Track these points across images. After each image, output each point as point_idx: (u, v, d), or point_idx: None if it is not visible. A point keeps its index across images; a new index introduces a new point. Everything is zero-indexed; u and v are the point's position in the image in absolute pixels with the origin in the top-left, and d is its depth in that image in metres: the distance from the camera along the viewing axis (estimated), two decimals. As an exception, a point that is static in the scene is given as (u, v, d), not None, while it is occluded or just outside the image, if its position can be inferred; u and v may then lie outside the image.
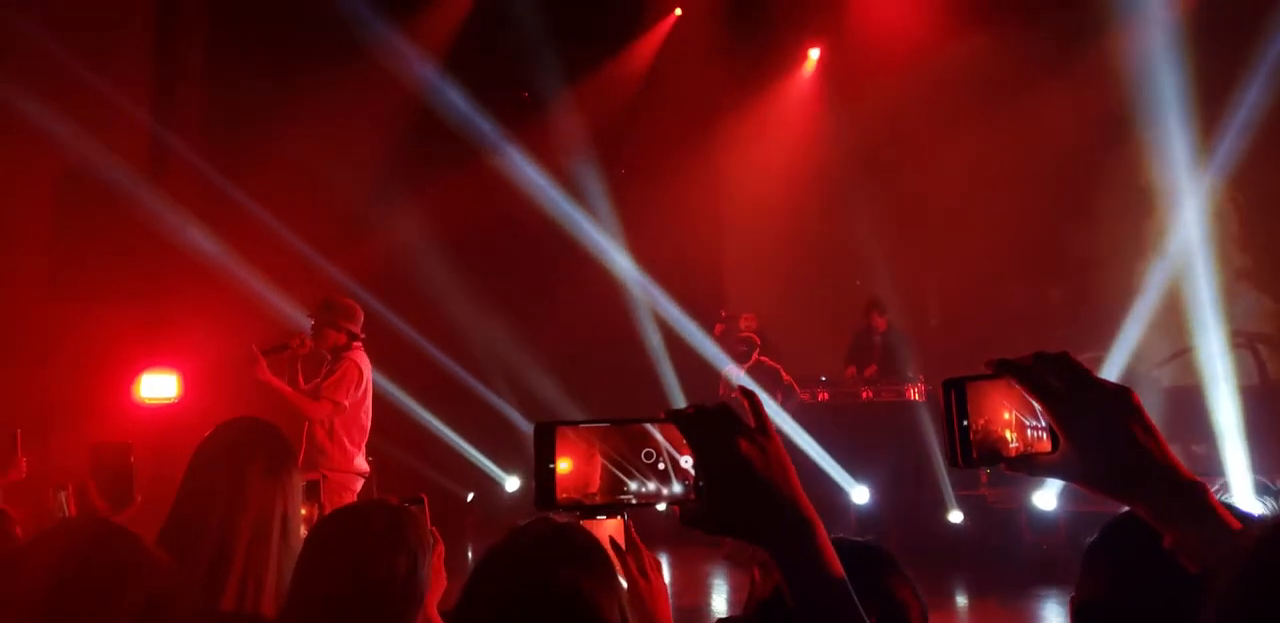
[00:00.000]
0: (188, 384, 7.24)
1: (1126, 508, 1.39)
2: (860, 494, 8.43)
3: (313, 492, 2.48)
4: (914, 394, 8.75)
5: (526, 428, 10.13)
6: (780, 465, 1.00)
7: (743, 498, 0.99)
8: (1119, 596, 1.34)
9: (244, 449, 2.20)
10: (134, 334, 7.45)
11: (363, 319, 5.47)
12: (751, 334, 9.36)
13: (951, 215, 9.96)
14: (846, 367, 9.38)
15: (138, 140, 8.08)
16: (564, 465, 1.07)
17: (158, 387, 7.21)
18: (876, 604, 1.02)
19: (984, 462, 1.01)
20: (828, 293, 10.47)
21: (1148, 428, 0.98)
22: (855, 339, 9.45)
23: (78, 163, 7.62)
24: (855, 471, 8.46)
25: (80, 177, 7.72)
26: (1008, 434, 1.01)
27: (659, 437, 1.11)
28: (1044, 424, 1.01)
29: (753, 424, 1.02)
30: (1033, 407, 1.01)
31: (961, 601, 6.89)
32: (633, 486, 1.10)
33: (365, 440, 5.44)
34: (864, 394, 9.03)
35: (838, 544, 1.01)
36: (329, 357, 5.38)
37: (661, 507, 1.13)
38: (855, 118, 10.53)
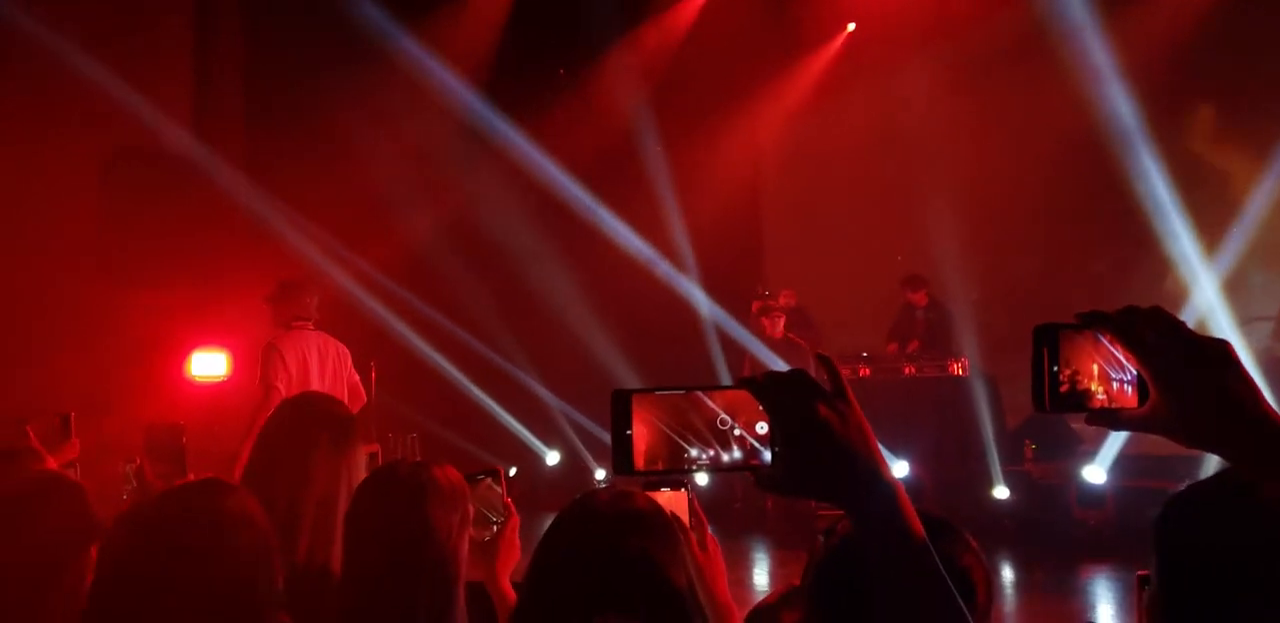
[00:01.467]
0: (237, 362, 7.36)
1: (1186, 483, 1.39)
2: (900, 469, 8.40)
3: (374, 465, 2.53)
4: (958, 370, 8.69)
5: (556, 404, 10.20)
6: (859, 430, 0.99)
7: (821, 460, 0.98)
8: (1188, 569, 1.33)
9: (309, 424, 2.25)
10: (184, 315, 7.57)
11: (312, 299, 5.45)
12: (766, 314, 9.22)
13: (994, 189, 9.84)
14: (889, 343, 9.33)
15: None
16: (635, 433, 1.08)
17: (208, 365, 7.34)
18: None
19: (1069, 408, 1.01)
20: (869, 268, 10.39)
21: (1245, 380, 0.96)
22: (898, 315, 9.39)
23: (125, 144, 7.74)
24: (896, 446, 8.42)
25: (127, 159, 7.83)
26: (1093, 386, 1.01)
27: (715, 405, 1.10)
28: (1129, 378, 1.00)
29: (830, 389, 1.02)
30: (1118, 360, 1.00)
31: (1008, 576, 6.87)
32: (694, 452, 1.10)
33: None
34: (906, 370, 8.97)
35: None
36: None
37: (702, 479, 1.13)
38: (893, 92, 10.42)
